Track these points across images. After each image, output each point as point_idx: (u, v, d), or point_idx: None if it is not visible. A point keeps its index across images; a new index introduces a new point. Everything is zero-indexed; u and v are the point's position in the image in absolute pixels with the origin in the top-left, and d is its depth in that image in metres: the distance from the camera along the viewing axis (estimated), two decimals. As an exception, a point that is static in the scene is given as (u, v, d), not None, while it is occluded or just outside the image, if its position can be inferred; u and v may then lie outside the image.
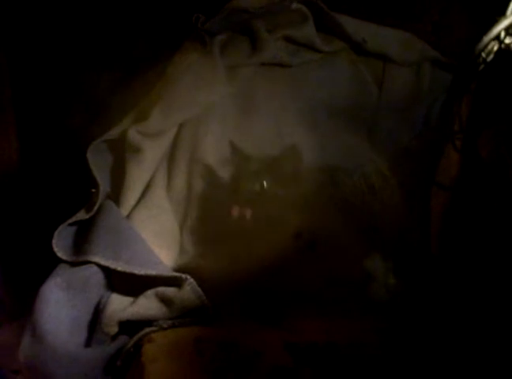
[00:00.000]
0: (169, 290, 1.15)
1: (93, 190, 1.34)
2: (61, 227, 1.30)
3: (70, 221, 1.31)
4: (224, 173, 1.31)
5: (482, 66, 0.98)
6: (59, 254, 1.26)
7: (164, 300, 1.15)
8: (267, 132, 1.37)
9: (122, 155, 1.35)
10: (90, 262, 1.22)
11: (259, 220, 1.22)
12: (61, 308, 1.18)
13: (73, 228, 1.33)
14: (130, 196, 1.32)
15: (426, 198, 1.30)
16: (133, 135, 1.32)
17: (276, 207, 1.23)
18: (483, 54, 0.96)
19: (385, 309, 1.19)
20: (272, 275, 1.18)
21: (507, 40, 0.93)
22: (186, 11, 1.47)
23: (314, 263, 1.22)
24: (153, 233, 1.27)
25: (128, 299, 1.18)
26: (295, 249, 1.22)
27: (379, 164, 1.37)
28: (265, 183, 1.22)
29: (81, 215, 1.32)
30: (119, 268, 1.19)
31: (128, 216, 1.30)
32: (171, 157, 1.36)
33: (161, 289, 1.16)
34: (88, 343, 1.16)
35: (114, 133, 1.36)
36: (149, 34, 1.63)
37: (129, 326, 1.15)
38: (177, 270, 1.24)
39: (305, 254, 1.23)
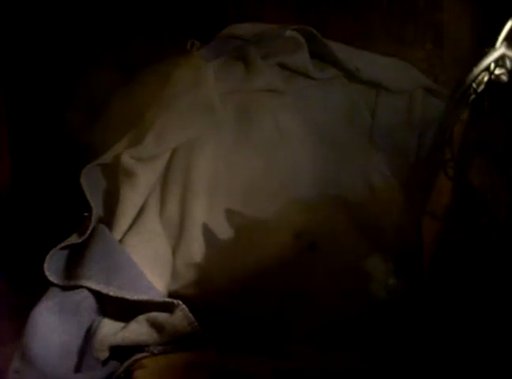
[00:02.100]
0: (161, 316, 1.15)
1: (86, 214, 1.34)
2: (53, 251, 1.30)
3: (62, 245, 1.31)
4: (217, 198, 1.32)
5: (473, 96, 0.99)
6: (51, 278, 1.25)
7: (156, 325, 1.15)
8: (261, 156, 1.38)
9: (115, 179, 1.36)
10: (82, 286, 1.22)
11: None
12: (51, 332, 1.17)
13: (65, 252, 1.32)
14: (123, 220, 1.32)
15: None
16: (126, 159, 1.32)
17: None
18: (474, 85, 0.97)
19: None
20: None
21: (497, 71, 0.94)
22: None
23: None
24: (146, 258, 1.27)
25: (119, 324, 1.18)
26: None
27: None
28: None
29: (74, 238, 1.32)
30: (111, 293, 1.19)
31: (120, 241, 1.30)
32: (164, 181, 1.36)
33: (153, 314, 1.15)
34: (78, 368, 1.15)
35: (107, 157, 1.37)
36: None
37: (120, 352, 1.15)
38: (169, 295, 1.25)
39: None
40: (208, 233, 1.30)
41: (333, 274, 1.22)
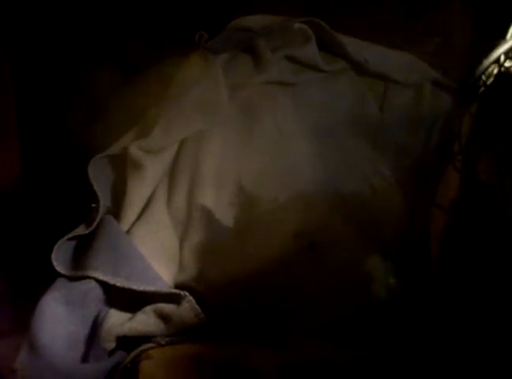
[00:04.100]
0: (167, 307, 1.15)
1: (93, 205, 1.34)
2: (60, 242, 1.30)
3: (70, 236, 1.31)
4: (223, 192, 1.32)
5: (482, 89, 0.99)
6: (58, 269, 1.26)
7: (162, 316, 1.15)
8: (269, 150, 1.38)
9: (123, 170, 1.36)
10: (89, 277, 1.22)
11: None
12: (58, 322, 1.18)
13: (73, 243, 1.33)
14: (131, 211, 1.32)
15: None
16: (134, 151, 1.32)
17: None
18: (484, 77, 0.97)
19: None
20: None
21: (507, 64, 0.94)
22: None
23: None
24: (153, 249, 1.27)
25: (126, 315, 1.18)
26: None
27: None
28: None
29: (81, 229, 1.32)
30: (118, 284, 1.19)
31: (128, 232, 1.30)
32: (172, 173, 1.36)
33: (160, 305, 1.16)
34: (85, 358, 1.15)
35: (115, 148, 1.37)
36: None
37: (127, 342, 1.15)
38: (176, 286, 1.25)
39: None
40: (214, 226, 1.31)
41: (333, 274, 1.22)
